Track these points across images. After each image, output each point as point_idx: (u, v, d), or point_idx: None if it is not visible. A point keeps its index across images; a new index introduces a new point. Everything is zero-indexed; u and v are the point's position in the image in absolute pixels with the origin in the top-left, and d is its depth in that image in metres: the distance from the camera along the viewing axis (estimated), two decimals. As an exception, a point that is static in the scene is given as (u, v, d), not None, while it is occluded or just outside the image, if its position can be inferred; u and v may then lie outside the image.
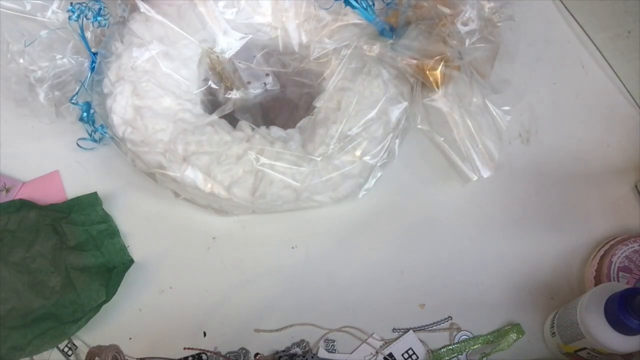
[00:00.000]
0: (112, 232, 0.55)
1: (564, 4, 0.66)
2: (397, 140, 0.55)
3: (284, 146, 0.52)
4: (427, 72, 0.52)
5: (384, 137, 0.53)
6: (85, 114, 0.56)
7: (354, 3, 0.54)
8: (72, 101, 0.55)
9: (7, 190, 0.57)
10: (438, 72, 0.52)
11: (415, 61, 0.53)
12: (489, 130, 0.53)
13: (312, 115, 0.54)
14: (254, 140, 0.53)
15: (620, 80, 0.63)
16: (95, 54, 0.55)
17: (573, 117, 0.61)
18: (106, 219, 0.56)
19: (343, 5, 0.55)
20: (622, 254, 0.52)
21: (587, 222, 0.57)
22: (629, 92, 0.62)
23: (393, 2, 0.56)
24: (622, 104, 0.62)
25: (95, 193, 0.56)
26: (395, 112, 0.53)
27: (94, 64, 0.55)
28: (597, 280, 0.53)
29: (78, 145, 0.59)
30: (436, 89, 0.52)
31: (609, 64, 0.64)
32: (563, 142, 0.60)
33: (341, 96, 0.53)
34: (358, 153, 0.52)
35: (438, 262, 0.55)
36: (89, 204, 0.56)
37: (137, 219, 0.57)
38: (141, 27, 0.54)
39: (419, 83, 0.54)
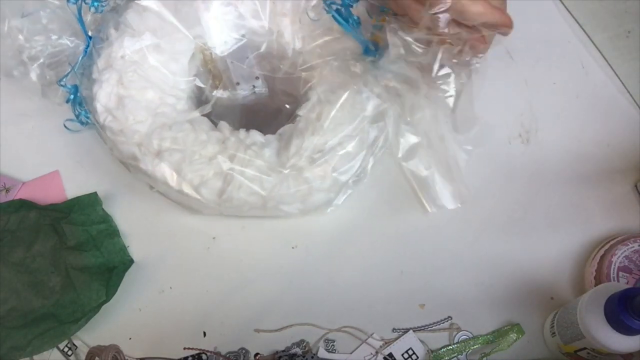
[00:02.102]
0: (112, 232, 0.55)
1: (564, 4, 0.66)
2: (371, 159, 0.54)
3: (258, 152, 0.52)
4: (402, 96, 0.53)
5: (358, 155, 0.52)
6: (72, 97, 0.56)
7: (339, 18, 0.53)
8: (61, 83, 0.55)
9: (7, 190, 0.57)
10: (410, 100, 0.52)
11: (393, 84, 0.52)
12: (448, 166, 0.52)
13: (293, 123, 0.54)
14: (229, 143, 0.52)
15: (620, 80, 0.63)
16: (91, 38, 0.55)
17: (573, 117, 0.61)
18: (106, 219, 0.56)
19: None
20: (622, 254, 0.52)
21: (587, 222, 0.57)
22: (629, 92, 0.62)
23: (378, 23, 0.55)
24: (622, 104, 0.62)
25: (95, 193, 0.56)
26: (373, 131, 0.53)
27: (88, 48, 0.55)
28: (597, 280, 0.53)
29: (65, 126, 0.59)
30: (408, 118, 0.52)
31: (609, 64, 0.64)
32: (563, 142, 0.60)
33: (322, 108, 0.53)
34: (330, 168, 0.51)
35: (438, 262, 0.55)
36: (89, 204, 0.56)
37: (137, 219, 0.57)
38: (136, 17, 0.55)
39: (398, 105, 0.54)
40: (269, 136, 0.54)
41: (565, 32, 0.65)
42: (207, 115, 0.55)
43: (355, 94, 0.52)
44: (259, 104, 0.59)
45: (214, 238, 0.56)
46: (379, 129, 0.53)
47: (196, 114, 0.54)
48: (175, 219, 0.57)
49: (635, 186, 0.58)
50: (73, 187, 0.58)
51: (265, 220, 0.57)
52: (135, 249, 0.56)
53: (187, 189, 0.51)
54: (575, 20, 0.66)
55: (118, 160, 0.54)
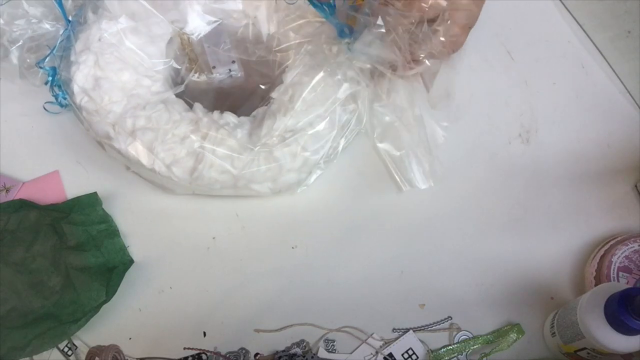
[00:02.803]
0: (112, 232, 0.55)
1: (564, 4, 0.66)
2: (342, 140, 0.55)
3: (230, 133, 0.53)
4: (376, 78, 0.53)
5: (328, 135, 0.53)
6: (50, 78, 0.57)
7: (313, 1, 0.53)
8: (40, 65, 0.56)
9: (7, 190, 0.57)
10: (386, 80, 0.53)
11: (368, 66, 0.53)
12: (424, 144, 0.53)
13: (267, 105, 0.55)
14: (201, 123, 0.53)
15: (620, 80, 0.63)
16: (71, 22, 0.56)
17: (573, 117, 0.62)
18: (106, 219, 0.56)
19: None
20: (622, 254, 0.52)
21: (587, 222, 0.57)
22: (629, 92, 0.62)
23: (355, 5, 0.55)
24: (622, 104, 0.62)
25: (95, 193, 0.56)
26: (345, 113, 0.54)
27: (67, 32, 0.56)
28: (597, 280, 0.53)
29: (44, 109, 0.60)
30: (383, 97, 0.53)
31: (609, 64, 0.64)
32: (563, 142, 0.60)
33: (295, 90, 0.54)
34: (299, 147, 0.52)
35: (438, 262, 0.55)
36: (89, 204, 0.56)
37: (137, 219, 0.57)
38: (114, 1, 0.55)
39: (371, 87, 0.54)
40: (243, 118, 0.55)
41: (565, 32, 0.65)
42: (183, 98, 0.56)
43: (328, 77, 0.53)
44: (235, 87, 0.59)
45: (214, 238, 0.56)
46: (351, 111, 0.54)
47: (169, 94, 0.55)
48: (176, 219, 0.57)
49: (635, 186, 0.58)
50: (73, 187, 0.58)
51: (265, 219, 0.57)
52: (135, 249, 0.56)
53: (159, 168, 0.52)
54: (575, 20, 0.66)
55: (95, 141, 0.56)
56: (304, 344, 0.52)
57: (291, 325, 0.53)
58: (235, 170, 0.52)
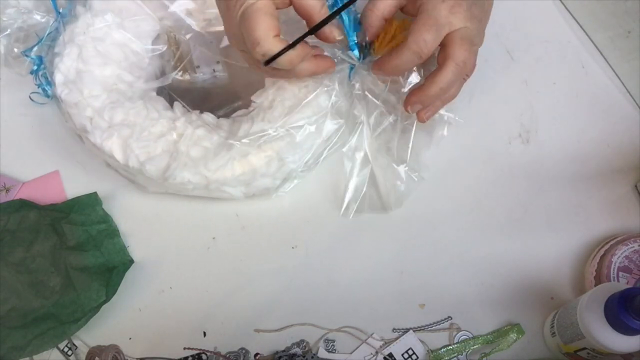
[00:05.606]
0: (112, 232, 0.55)
1: (564, 4, 0.66)
2: (325, 152, 0.55)
3: (207, 134, 0.53)
4: (368, 104, 0.54)
5: (307, 144, 0.53)
6: (36, 67, 0.57)
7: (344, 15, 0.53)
8: (26, 54, 0.56)
9: (7, 190, 0.58)
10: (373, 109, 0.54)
11: (359, 91, 0.54)
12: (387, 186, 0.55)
13: (248, 109, 0.55)
14: (179, 122, 0.53)
15: (620, 80, 0.63)
16: (60, 13, 0.57)
17: (573, 117, 0.61)
18: (106, 219, 0.56)
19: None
20: (622, 254, 0.52)
21: (587, 222, 0.57)
22: (629, 92, 0.62)
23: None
24: (622, 104, 0.62)
25: (95, 193, 0.56)
26: (329, 125, 0.53)
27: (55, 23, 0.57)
28: (597, 280, 0.53)
29: (30, 98, 0.60)
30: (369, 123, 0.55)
31: (609, 64, 0.64)
32: (563, 142, 0.60)
33: (276, 95, 0.53)
34: (275, 154, 0.52)
35: (438, 262, 0.55)
36: (89, 204, 0.56)
37: (137, 219, 0.57)
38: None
39: (360, 108, 0.55)
40: (222, 119, 0.55)
41: (565, 32, 0.65)
42: (166, 96, 0.56)
43: (317, 87, 0.53)
44: (218, 88, 0.59)
45: (214, 238, 0.56)
46: (338, 126, 0.54)
47: (150, 91, 0.56)
48: (176, 219, 0.57)
49: (635, 186, 0.58)
50: (73, 187, 0.58)
51: (265, 219, 0.57)
52: (135, 249, 0.56)
53: (132, 164, 0.52)
54: (575, 20, 0.66)
55: (73, 132, 0.56)
56: (304, 344, 0.52)
57: (291, 325, 0.53)
58: (208, 172, 0.51)
